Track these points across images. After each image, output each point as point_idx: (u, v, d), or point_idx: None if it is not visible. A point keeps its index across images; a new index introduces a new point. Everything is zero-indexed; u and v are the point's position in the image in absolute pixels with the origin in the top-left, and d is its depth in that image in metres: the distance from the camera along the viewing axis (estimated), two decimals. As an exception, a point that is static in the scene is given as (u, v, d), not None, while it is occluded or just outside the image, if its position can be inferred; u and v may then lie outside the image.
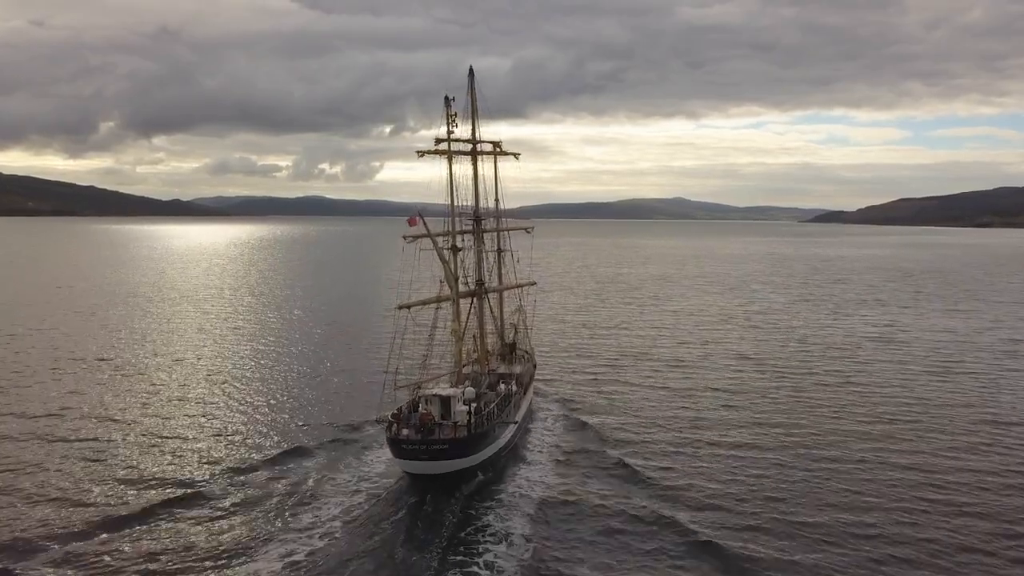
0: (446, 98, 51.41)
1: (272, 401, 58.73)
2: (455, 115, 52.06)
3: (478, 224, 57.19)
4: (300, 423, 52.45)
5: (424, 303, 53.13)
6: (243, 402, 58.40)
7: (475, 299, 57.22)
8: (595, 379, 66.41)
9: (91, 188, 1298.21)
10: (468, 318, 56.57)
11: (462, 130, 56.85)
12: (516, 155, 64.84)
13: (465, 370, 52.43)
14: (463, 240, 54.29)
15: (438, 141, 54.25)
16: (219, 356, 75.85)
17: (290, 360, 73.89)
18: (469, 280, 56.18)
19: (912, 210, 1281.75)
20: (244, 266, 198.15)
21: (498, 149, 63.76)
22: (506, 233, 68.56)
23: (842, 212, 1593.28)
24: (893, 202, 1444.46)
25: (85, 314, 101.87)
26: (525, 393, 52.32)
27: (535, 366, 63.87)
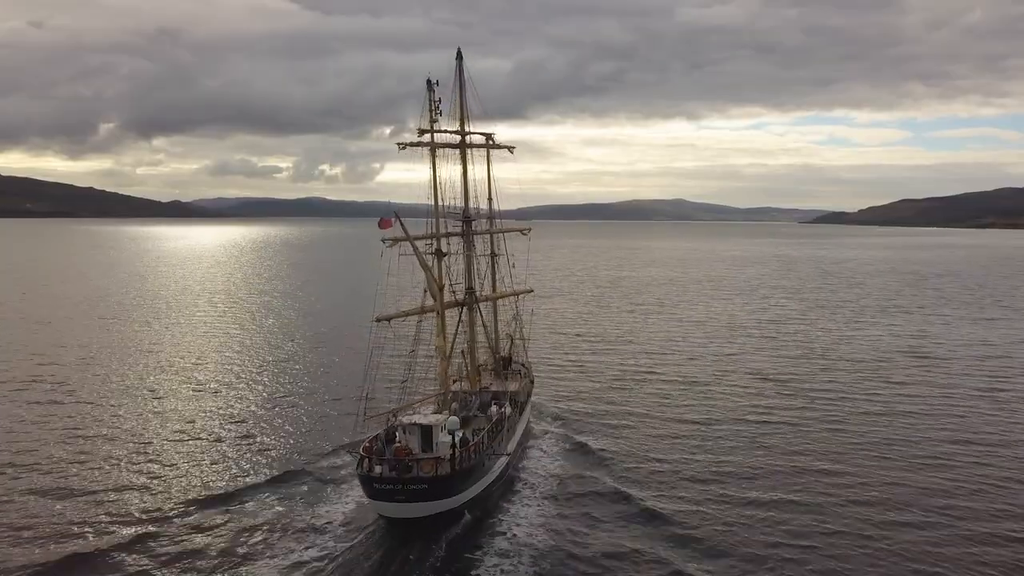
0: (428, 82, 45.10)
1: (228, 428, 51.95)
2: (439, 102, 45.74)
3: (468, 226, 50.85)
4: (259, 454, 46.32)
5: (405, 315, 46.89)
6: (195, 429, 51.81)
7: (464, 309, 50.60)
8: (599, 397, 60.95)
9: (90, 189, 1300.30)
10: (457, 331, 50.25)
11: (450, 121, 50.57)
12: (510, 148, 58.95)
13: (454, 387, 46.42)
14: (449, 244, 47.98)
15: (421, 132, 48.07)
16: (173, 374, 68.76)
17: (253, 380, 66.74)
18: (457, 289, 49.20)
19: (914, 211, 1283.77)
20: (226, 271, 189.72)
21: (491, 142, 57.65)
22: (500, 236, 62.21)
23: (843, 213, 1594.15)
24: (894, 203, 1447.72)
25: (38, 325, 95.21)
26: (521, 414, 47.40)
27: (532, 382, 57.85)
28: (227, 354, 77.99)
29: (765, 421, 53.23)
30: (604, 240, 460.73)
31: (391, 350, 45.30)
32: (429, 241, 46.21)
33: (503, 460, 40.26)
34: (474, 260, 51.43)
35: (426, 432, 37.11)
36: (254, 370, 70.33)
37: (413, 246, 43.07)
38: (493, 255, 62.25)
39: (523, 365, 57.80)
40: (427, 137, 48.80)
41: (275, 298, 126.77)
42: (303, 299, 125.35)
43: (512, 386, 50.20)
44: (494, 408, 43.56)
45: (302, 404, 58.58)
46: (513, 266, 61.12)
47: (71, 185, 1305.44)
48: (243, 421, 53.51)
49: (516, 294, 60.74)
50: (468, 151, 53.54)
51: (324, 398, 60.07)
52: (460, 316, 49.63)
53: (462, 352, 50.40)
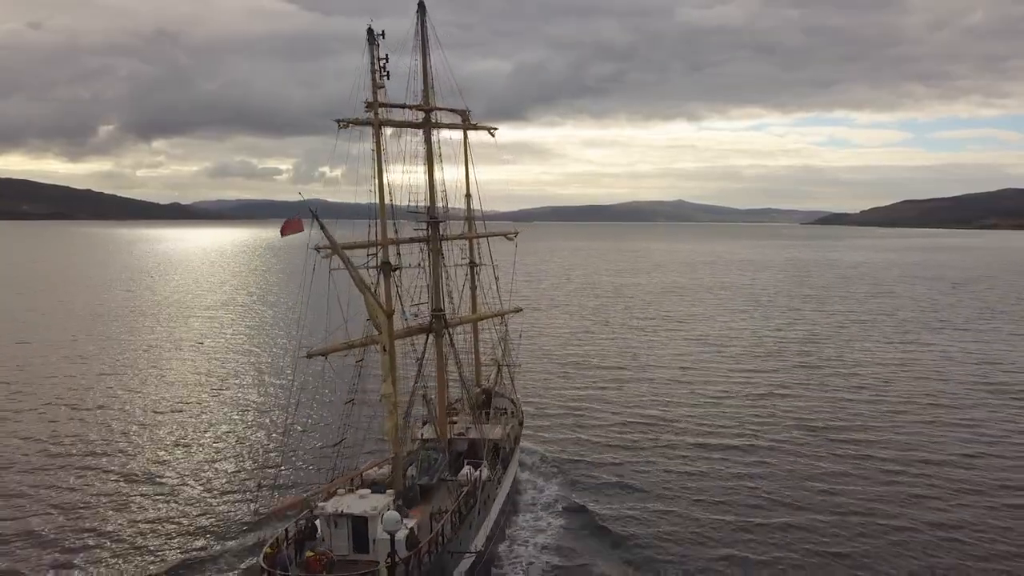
0: (370, 32, 32.75)
1: (94, 515, 37.89)
2: (385, 61, 33.57)
3: (435, 230, 38.57)
4: (126, 552, 33.18)
5: (348, 347, 34.84)
6: (56, 510, 37.97)
7: (431, 337, 38.14)
8: (605, 443, 49.66)
9: (88, 191, 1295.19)
10: (421, 365, 38.00)
11: (409, 88, 39.09)
12: (491, 129, 46.94)
13: (421, 431, 34.31)
14: (400, 255, 35.79)
15: (369, 106, 35.92)
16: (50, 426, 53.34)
17: (137, 440, 49.95)
18: (422, 310, 38.43)
19: (916, 212, 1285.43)
20: (190, 281, 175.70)
21: (467, 121, 45.71)
22: (480, 242, 49.94)
23: (845, 214, 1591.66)
24: (896, 204, 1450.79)
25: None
26: (506, 470, 38.90)
27: (521, 423, 48.18)
28: (112, 400, 59.97)
29: (829, 494, 39.57)
30: (604, 242, 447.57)
31: (326, 395, 33.00)
32: (372, 252, 34.05)
33: (470, 560, 28.46)
34: (444, 273, 39.03)
35: (359, 526, 27.02)
36: (131, 427, 52.67)
37: (343, 258, 30.87)
38: (473, 265, 49.90)
39: (511, 400, 48.80)
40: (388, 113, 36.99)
41: (214, 322, 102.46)
42: (245, 321, 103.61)
43: (494, 432, 41.36)
44: (467, 470, 34.89)
45: (187, 481, 42.15)
46: (497, 278, 48.86)
47: (69, 187, 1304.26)
48: (115, 507, 38.67)
49: (500, 315, 48.69)
50: (435, 132, 41.38)
51: (217, 470, 43.62)
52: (425, 345, 38.28)
53: (423, 396, 38.29)
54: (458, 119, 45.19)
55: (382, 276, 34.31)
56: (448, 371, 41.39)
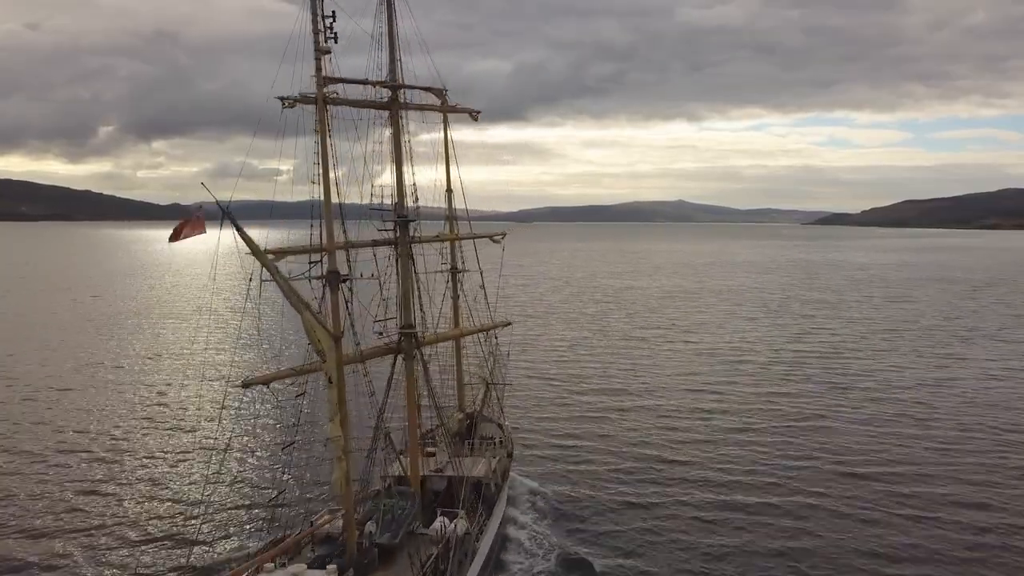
0: (307, -22, 25.99)
1: None
2: (332, 20, 26.86)
3: (404, 231, 31.78)
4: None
5: (294, 374, 28.24)
6: None
7: (400, 359, 32.49)
8: (608, 481, 42.68)
9: (87, 192, 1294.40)
10: (387, 392, 32.08)
11: (373, 62, 32.76)
12: (474, 113, 40.13)
13: (393, 468, 28.70)
14: (353, 263, 28.91)
15: (327, 81, 29.42)
16: None
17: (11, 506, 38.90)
18: (389, 327, 32.00)
19: (916, 212, 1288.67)
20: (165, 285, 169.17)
21: (445, 102, 39.26)
22: (463, 245, 43.06)
23: (846, 214, 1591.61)
24: (897, 204, 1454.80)
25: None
26: (491, 513, 33.50)
27: (511, 455, 42.20)
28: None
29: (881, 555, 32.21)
30: (604, 243, 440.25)
31: (265, 435, 26.29)
32: (315, 260, 27.28)
33: None
34: (415, 283, 31.41)
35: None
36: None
37: (268, 268, 24.03)
38: (455, 272, 44.74)
39: (499, 427, 43.58)
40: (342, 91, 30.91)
41: (161, 337, 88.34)
42: (198, 336, 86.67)
43: (477, 467, 35.82)
44: (440, 523, 29.15)
45: (78, 546, 33.37)
46: (482, 287, 42.20)
47: (68, 188, 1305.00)
48: None
49: (485, 329, 42.06)
50: (404, 114, 34.78)
51: (115, 537, 34.41)
52: (392, 369, 32.65)
53: (385, 435, 31.68)
54: (433, 100, 38.55)
55: (327, 291, 27.52)
56: (424, 396, 34.70)
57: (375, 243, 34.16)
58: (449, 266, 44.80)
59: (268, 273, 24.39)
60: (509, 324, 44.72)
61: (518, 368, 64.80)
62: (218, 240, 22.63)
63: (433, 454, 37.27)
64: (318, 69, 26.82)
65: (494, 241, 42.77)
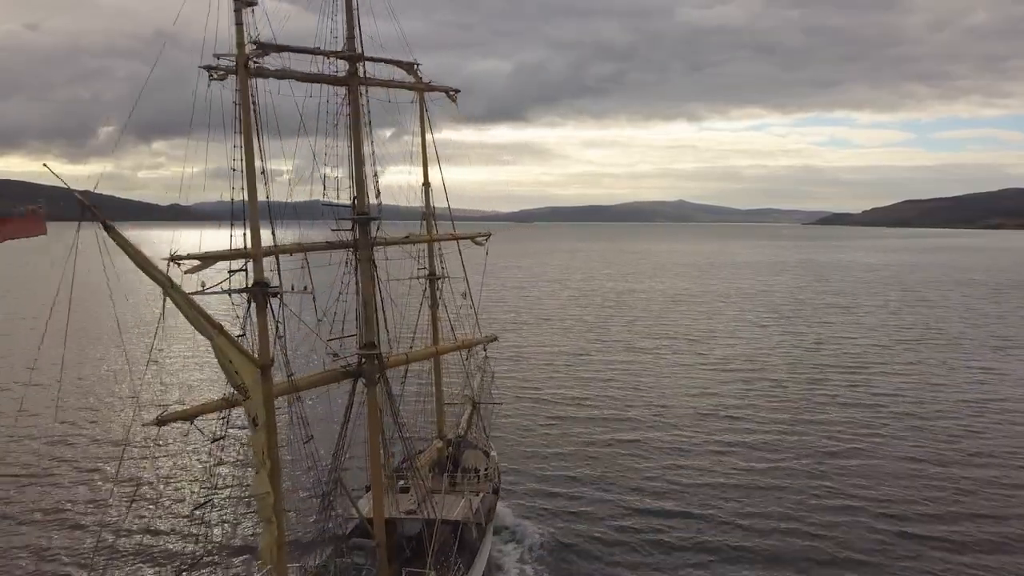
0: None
1: None
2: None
3: (363, 231, 25.70)
4: None
5: (220, 407, 23.16)
6: None
7: (360, 384, 27.22)
8: (613, 520, 37.03)
9: (86, 193, 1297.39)
10: (346, 424, 27.19)
11: (326, 28, 27.69)
12: (451, 93, 34.27)
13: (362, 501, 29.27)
14: (280, 272, 23.04)
15: (260, 47, 23.68)
16: None
17: None
18: (345, 347, 26.95)
19: (918, 212, 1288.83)
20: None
21: (418, 79, 33.67)
22: (445, 249, 40.81)
23: (847, 214, 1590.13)
24: (898, 204, 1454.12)
25: None
26: (472, 566, 29.20)
27: (497, 491, 36.86)
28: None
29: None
30: (605, 243, 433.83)
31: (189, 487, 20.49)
32: (239, 267, 21.38)
33: None
34: (378, 293, 27.79)
35: None
36: None
37: (159, 281, 18.10)
38: (433, 278, 39.47)
39: (485, 454, 38.07)
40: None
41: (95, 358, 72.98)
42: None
43: (457, 508, 30.97)
44: None
45: None
46: (465, 295, 36.19)
47: (67, 188, 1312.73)
48: None
49: (466, 346, 36.27)
50: (365, 91, 29.11)
51: None
52: (352, 397, 27.32)
53: (336, 480, 25.93)
54: (403, 76, 32.69)
55: (252, 307, 21.60)
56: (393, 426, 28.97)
57: (329, 245, 28.49)
58: (427, 272, 39.11)
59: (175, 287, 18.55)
60: (494, 339, 38.88)
61: (508, 385, 58.44)
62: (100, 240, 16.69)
63: (407, 488, 31.78)
64: (238, 23, 21.01)
65: (476, 243, 36.94)
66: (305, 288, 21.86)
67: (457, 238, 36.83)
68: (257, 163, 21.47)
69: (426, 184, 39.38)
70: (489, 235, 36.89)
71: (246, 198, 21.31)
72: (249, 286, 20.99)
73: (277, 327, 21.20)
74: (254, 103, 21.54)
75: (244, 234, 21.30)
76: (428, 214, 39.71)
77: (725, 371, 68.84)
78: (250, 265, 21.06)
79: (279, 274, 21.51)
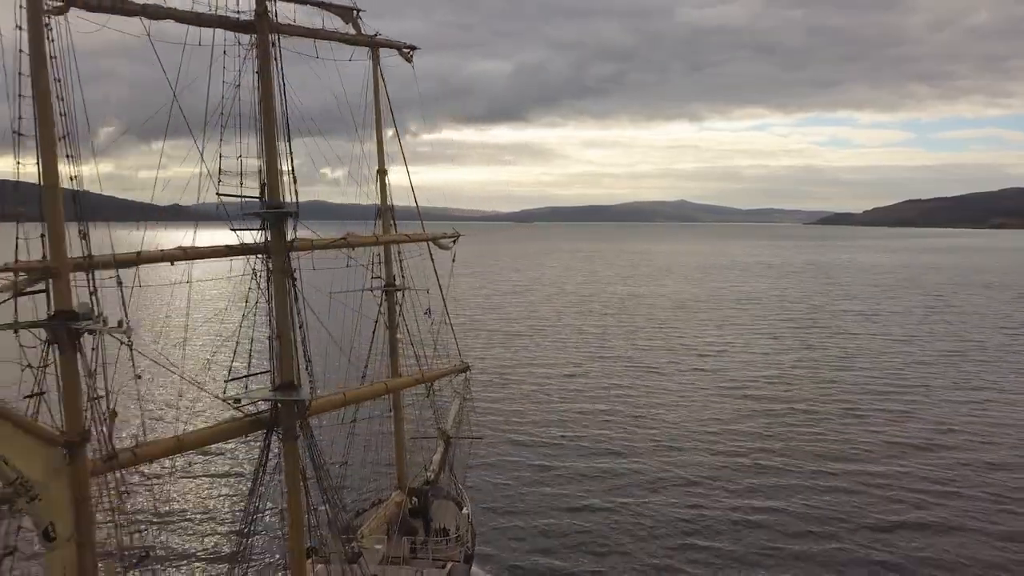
0: None
1: None
2: None
3: (277, 232, 20.73)
4: None
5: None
6: None
7: (274, 436, 20.75)
8: None
9: (86, 193, 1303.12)
10: (257, 486, 21.41)
11: None
12: (407, 49, 26.14)
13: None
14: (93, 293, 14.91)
15: None
16: None
17: None
18: (254, 389, 20.69)
19: (919, 212, 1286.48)
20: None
21: (358, 29, 25.51)
22: (407, 255, 33.07)
23: (849, 214, 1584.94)
24: (900, 204, 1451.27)
25: None
26: None
27: (471, 558, 29.91)
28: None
29: None
30: (606, 244, 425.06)
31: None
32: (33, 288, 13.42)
33: None
34: (298, 313, 20.74)
35: None
36: None
37: None
38: (392, 291, 32.17)
39: (457, 504, 32.08)
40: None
41: None
42: None
43: None
44: None
45: None
46: (427, 314, 26.88)
47: (64, 189, 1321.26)
48: None
49: (429, 380, 28.00)
50: (278, 41, 20.81)
51: None
52: (264, 454, 20.79)
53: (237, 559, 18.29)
54: (339, 25, 24.87)
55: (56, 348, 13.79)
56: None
57: (230, 251, 21.16)
58: (383, 283, 31.30)
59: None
60: (466, 369, 30.97)
61: (490, 415, 50.02)
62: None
63: (359, 554, 24.24)
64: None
65: (440, 246, 29.11)
66: (120, 323, 13.96)
67: (413, 240, 29.00)
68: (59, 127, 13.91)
69: (382, 172, 31.67)
70: (457, 236, 29.14)
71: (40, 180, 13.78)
72: (47, 318, 13.32)
73: (90, 372, 13.28)
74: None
75: (44, 242, 13.75)
76: (384, 209, 31.98)
77: (744, 397, 59.47)
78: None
79: (96, 294, 13.74)
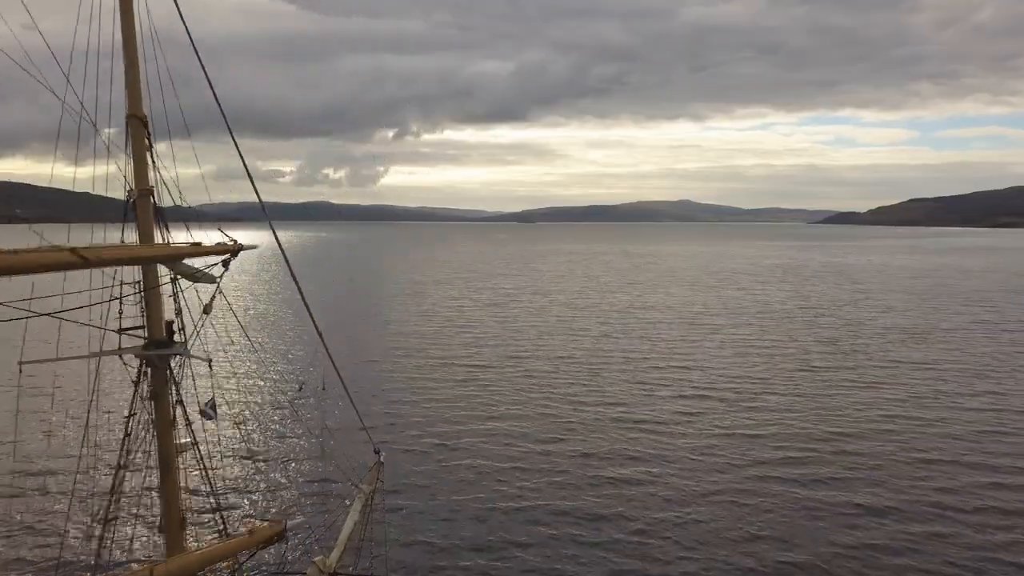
0: None
1: None
2: None
3: None
4: None
5: None
6: None
7: None
8: None
9: (85, 194, 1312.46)
10: None
11: None
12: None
13: None
14: None
15: None
16: None
17: None
18: None
19: (924, 211, 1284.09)
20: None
21: None
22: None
23: (854, 213, 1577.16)
24: (904, 203, 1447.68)
25: None
26: None
27: None
28: None
29: None
30: (607, 244, 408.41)
31: None
32: None
33: None
34: None
35: None
36: None
37: None
38: (156, 354, 16.32)
39: None
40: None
41: None
42: None
43: None
44: None
45: None
46: (205, 412, 8.60)
47: (64, 190, 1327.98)
48: None
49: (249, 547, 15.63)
50: None
51: None
52: None
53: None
54: None
55: None
56: None
57: None
58: (143, 335, 15.44)
59: None
60: (281, 529, 15.09)
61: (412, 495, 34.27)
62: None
63: None
64: None
65: (194, 279, 13.38)
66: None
67: (154, 259, 13.20)
68: None
69: (134, 117, 15.72)
70: (240, 247, 13.44)
71: None
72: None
73: None
74: None
75: None
76: (145, 191, 16.14)
77: (788, 463, 43.10)
78: None
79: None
